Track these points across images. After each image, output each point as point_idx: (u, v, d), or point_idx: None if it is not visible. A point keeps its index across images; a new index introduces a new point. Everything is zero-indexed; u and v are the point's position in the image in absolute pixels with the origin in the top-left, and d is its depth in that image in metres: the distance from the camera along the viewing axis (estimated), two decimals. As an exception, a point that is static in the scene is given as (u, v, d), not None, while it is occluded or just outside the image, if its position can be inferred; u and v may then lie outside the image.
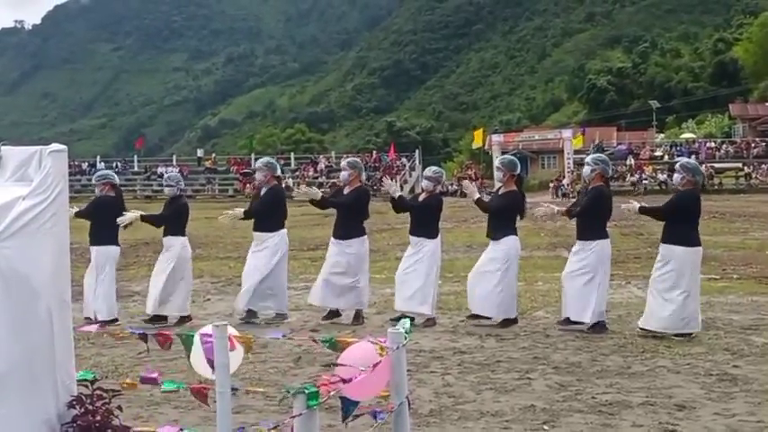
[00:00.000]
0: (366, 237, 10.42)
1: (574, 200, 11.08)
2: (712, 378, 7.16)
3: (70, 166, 38.87)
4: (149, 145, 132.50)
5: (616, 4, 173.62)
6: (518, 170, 10.20)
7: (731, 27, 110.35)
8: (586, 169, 9.73)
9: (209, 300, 12.29)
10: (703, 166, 43.49)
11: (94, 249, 10.33)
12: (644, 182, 53.35)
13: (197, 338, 3.76)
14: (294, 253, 16.50)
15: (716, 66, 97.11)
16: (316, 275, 10.78)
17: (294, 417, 3.37)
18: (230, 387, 3.56)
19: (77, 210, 10.20)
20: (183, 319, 10.27)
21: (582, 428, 5.84)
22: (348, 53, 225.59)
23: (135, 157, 68.00)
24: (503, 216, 9.93)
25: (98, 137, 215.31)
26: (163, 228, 10.58)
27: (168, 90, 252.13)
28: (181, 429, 3.63)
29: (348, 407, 3.73)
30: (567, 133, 63.92)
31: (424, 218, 10.16)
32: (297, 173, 60.66)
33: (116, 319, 10.25)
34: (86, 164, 62.27)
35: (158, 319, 10.30)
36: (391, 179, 11.78)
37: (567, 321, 9.44)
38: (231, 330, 3.80)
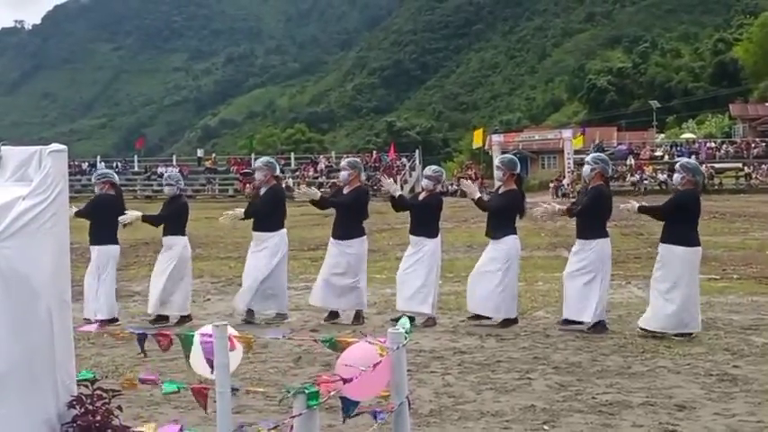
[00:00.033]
0: (366, 237, 10.42)
1: (574, 200, 11.08)
2: (712, 378, 7.16)
3: (70, 166, 38.93)
4: (149, 145, 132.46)
5: (616, 4, 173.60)
6: (518, 169, 10.19)
7: (731, 27, 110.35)
8: (586, 168, 9.73)
9: (209, 300, 12.29)
10: (703, 166, 43.53)
11: (96, 249, 10.32)
12: (644, 182, 53.36)
13: (197, 338, 3.76)
14: (294, 253, 16.50)
15: (716, 66, 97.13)
16: (316, 275, 10.78)
17: (294, 417, 3.37)
18: (230, 387, 3.55)
19: (77, 209, 10.18)
20: (184, 319, 10.26)
21: (582, 428, 5.84)
22: (348, 53, 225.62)
23: (135, 157, 68.02)
24: (503, 215, 9.93)
25: (98, 137, 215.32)
26: (162, 227, 10.57)
27: (168, 90, 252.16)
28: (181, 429, 3.62)
29: (348, 407, 3.73)
30: (567, 133, 63.92)
31: (424, 217, 10.15)
32: (297, 173, 60.68)
33: (116, 319, 10.25)
34: (86, 164, 62.27)
35: (161, 318, 10.31)
36: (390, 179, 11.72)
37: (568, 322, 9.44)
38: (231, 330, 3.80)
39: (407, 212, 10.53)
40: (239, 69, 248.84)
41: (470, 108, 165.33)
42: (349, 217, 10.23)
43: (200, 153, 73.92)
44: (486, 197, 10.66)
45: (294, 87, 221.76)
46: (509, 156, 10.88)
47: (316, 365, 7.71)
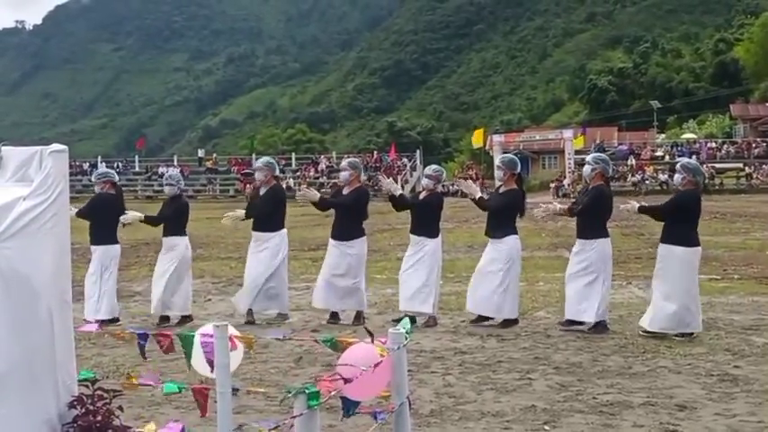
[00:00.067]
0: (366, 237, 10.42)
1: (574, 200, 11.07)
2: (713, 378, 7.16)
3: (71, 167, 38.87)
4: (150, 145, 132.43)
5: (617, 4, 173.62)
6: (518, 169, 10.18)
7: (732, 27, 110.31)
8: (587, 168, 9.73)
9: (209, 300, 12.29)
10: (704, 166, 43.46)
11: (98, 249, 10.29)
12: (645, 182, 53.34)
13: (197, 338, 3.76)
14: (295, 253, 16.50)
15: (717, 66, 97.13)
16: (317, 276, 10.78)
17: (295, 417, 3.37)
18: (231, 387, 3.55)
19: (77, 210, 10.15)
20: (185, 319, 10.26)
21: (583, 429, 5.83)
22: (349, 53, 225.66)
23: (136, 157, 68.06)
24: (503, 215, 9.92)
25: (99, 137, 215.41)
26: (162, 228, 10.55)
27: (169, 90, 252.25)
28: (183, 429, 3.62)
29: (349, 407, 3.73)
30: (567, 133, 63.92)
31: (425, 216, 10.14)
32: (298, 173, 60.71)
33: (117, 319, 10.24)
34: (87, 164, 62.27)
35: (164, 319, 10.30)
36: (390, 178, 11.72)
37: (570, 323, 9.42)
38: (232, 330, 3.80)
39: (408, 212, 10.53)
40: (240, 69, 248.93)
41: (471, 108, 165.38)
42: (349, 217, 10.23)
43: (201, 153, 73.97)
44: (486, 197, 10.65)
45: (295, 87, 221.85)
46: (509, 155, 10.87)
47: (317, 366, 7.71)
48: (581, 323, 9.34)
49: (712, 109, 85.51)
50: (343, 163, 10.80)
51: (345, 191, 10.40)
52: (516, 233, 9.95)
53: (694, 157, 49.32)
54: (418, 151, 64.64)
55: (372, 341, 3.82)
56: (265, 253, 10.30)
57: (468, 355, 8.27)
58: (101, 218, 10.25)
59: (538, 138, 68.78)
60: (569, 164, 57.49)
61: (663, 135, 77.22)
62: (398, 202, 10.52)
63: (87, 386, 3.64)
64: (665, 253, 9.02)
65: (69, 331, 3.63)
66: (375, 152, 69.20)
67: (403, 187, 40.54)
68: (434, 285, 9.97)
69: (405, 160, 63.13)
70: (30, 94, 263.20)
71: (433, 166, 10.63)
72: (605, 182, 9.72)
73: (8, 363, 3.33)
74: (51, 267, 3.49)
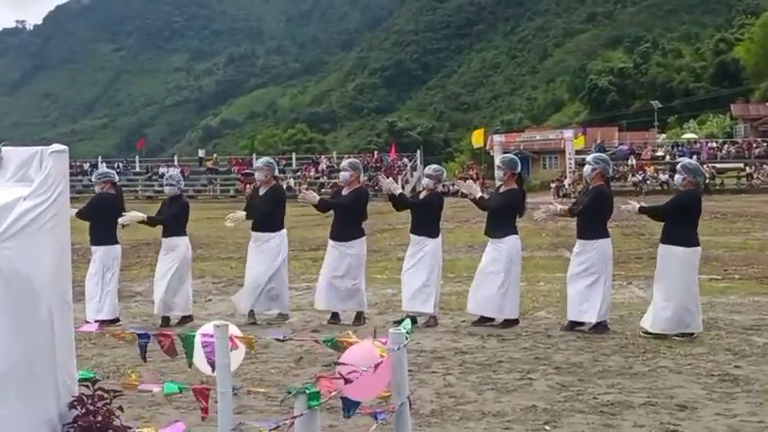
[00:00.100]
0: (365, 238, 10.42)
1: (575, 200, 11.08)
2: (714, 378, 7.16)
3: (71, 167, 38.98)
4: (151, 145, 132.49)
5: (617, 4, 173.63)
6: (518, 169, 10.17)
7: (733, 27, 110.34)
8: (587, 169, 9.73)
9: (210, 300, 12.29)
10: (705, 166, 43.48)
11: (100, 249, 10.26)
12: (646, 182, 53.34)
13: (198, 339, 3.76)
14: (295, 253, 16.51)
15: (717, 66, 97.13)
16: (317, 276, 10.78)
17: (295, 417, 3.37)
18: (231, 387, 3.55)
19: (77, 210, 10.11)
20: (185, 319, 10.26)
21: (583, 429, 5.83)
22: (349, 53, 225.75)
23: (136, 157, 68.09)
24: (503, 215, 9.91)
25: (99, 137, 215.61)
26: (162, 228, 10.53)
27: (169, 90, 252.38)
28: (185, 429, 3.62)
29: (349, 407, 3.73)
30: (568, 133, 63.91)
31: (425, 216, 10.14)
32: (298, 173, 60.73)
33: (117, 320, 10.24)
34: (88, 164, 62.29)
35: (165, 320, 10.29)
36: (390, 178, 11.72)
37: (573, 324, 9.40)
38: (234, 329, 3.81)
39: (408, 212, 10.52)
40: (240, 70, 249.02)
41: (472, 108, 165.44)
42: (349, 218, 10.23)
43: (201, 153, 74.04)
44: (486, 196, 10.64)
45: (295, 88, 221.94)
46: (510, 155, 10.87)
47: (317, 366, 7.71)
48: (581, 324, 9.33)
49: (713, 109, 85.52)
50: (344, 163, 10.79)
51: (345, 191, 10.39)
52: (516, 233, 9.95)
53: (695, 157, 49.32)
54: (419, 151, 64.61)
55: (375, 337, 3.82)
56: (266, 253, 10.29)
57: (468, 355, 8.27)
58: (101, 218, 10.22)
59: (538, 138, 68.76)
60: (570, 164, 57.49)
61: (663, 135, 77.21)
62: (398, 202, 10.52)
63: (88, 386, 3.64)
64: (664, 253, 9.02)
65: (70, 331, 3.63)
66: (375, 152, 69.24)
67: (403, 187, 40.56)
68: (435, 285, 9.97)
69: (405, 160, 63.14)
70: (30, 94, 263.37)
71: (434, 166, 10.63)
72: (606, 182, 9.72)
73: (8, 363, 3.33)
74: (51, 267, 3.49)
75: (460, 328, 9.73)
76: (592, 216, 9.42)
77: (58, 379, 3.51)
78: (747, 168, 55.54)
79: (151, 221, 10.51)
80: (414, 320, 9.43)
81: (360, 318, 10.18)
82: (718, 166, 54.98)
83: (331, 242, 10.32)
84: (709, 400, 6.51)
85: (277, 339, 4.09)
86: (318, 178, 58.77)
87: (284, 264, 10.47)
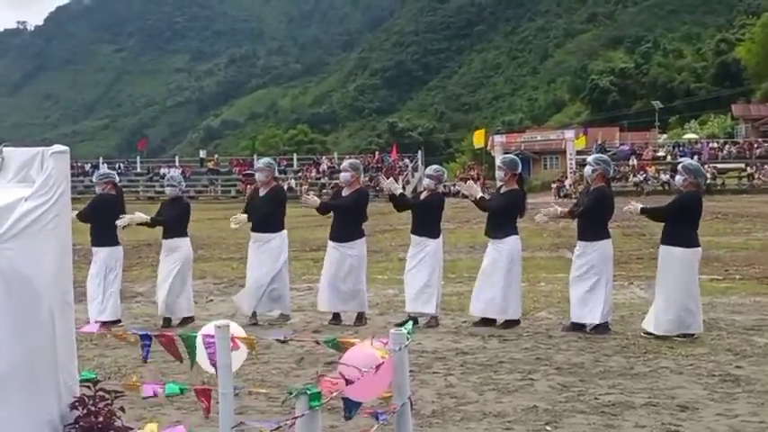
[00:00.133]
0: (365, 238, 10.42)
1: (576, 200, 11.08)
2: (715, 379, 7.16)
3: (73, 168, 38.96)
4: (152, 146, 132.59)
5: (618, 4, 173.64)
6: (519, 169, 10.16)
7: (734, 27, 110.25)
8: (588, 170, 9.72)
9: (211, 301, 12.29)
10: (706, 166, 43.45)
11: (103, 251, 10.23)
12: (647, 182, 53.32)
13: (199, 339, 3.76)
14: (296, 254, 16.52)
15: (718, 66, 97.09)
16: (318, 276, 10.78)
17: (296, 418, 3.37)
18: (233, 388, 3.55)
19: (78, 212, 10.05)
20: (186, 320, 10.26)
21: (584, 429, 5.83)
22: (350, 54, 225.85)
23: (138, 158, 68.15)
24: (504, 215, 9.91)
25: (101, 138, 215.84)
26: (163, 229, 10.51)
27: (170, 91, 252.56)
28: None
29: (350, 408, 3.73)
30: (569, 134, 63.87)
31: (426, 216, 10.14)
32: (299, 174, 60.75)
33: (119, 320, 10.23)
34: (89, 165, 62.32)
35: (167, 321, 10.28)
36: (390, 178, 11.71)
37: (575, 326, 9.39)
38: (236, 327, 3.81)
39: (409, 213, 10.51)
40: (241, 70, 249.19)
41: (472, 109, 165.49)
42: (349, 219, 10.22)
43: (202, 154, 74.08)
44: (487, 197, 10.63)
45: (296, 88, 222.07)
46: (510, 156, 10.87)
47: (318, 366, 7.71)
48: (583, 326, 9.33)
49: (714, 109, 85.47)
50: (344, 164, 10.78)
51: (345, 192, 10.39)
52: (517, 233, 9.94)
53: (696, 157, 49.33)
54: (420, 152, 64.59)
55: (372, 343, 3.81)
56: (267, 254, 10.29)
57: (469, 355, 8.27)
58: (103, 219, 10.16)
59: (539, 138, 68.72)
60: (571, 164, 57.46)
61: (664, 135, 77.17)
62: (399, 203, 10.51)
63: (89, 387, 3.64)
64: (664, 254, 9.03)
65: (71, 332, 3.63)
66: (377, 153, 69.28)
67: (404, 188, 40.51)
68: (436, 286, 9.97)
69: (406, 161, 63.13)
70: (31, 94, 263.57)
71: (434, 166, 10.63)
72: (606, 183, 9.72)
73: (10, 364, 3.33)
74: (53, 268, 3.49)
75: (462, 328, 9.73)
76: (593, 217, 9.42)
77: (60, 380, 3.52)
78: (748, 169, 55.50)
79: (154, 223, 10.49)
80: (415, 321, 9.44)
81: (361, 318, 10.18)
82: (719, 166, 54.97)
83: (331, 243, 10.31)
84: (711, 400, 6.51)
85: (278, 340, 4.08)
86: (319, 179, 58.79)
87: (285, 265, 10.47)
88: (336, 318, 10.23)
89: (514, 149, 58.51)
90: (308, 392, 3.37)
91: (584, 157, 43.50)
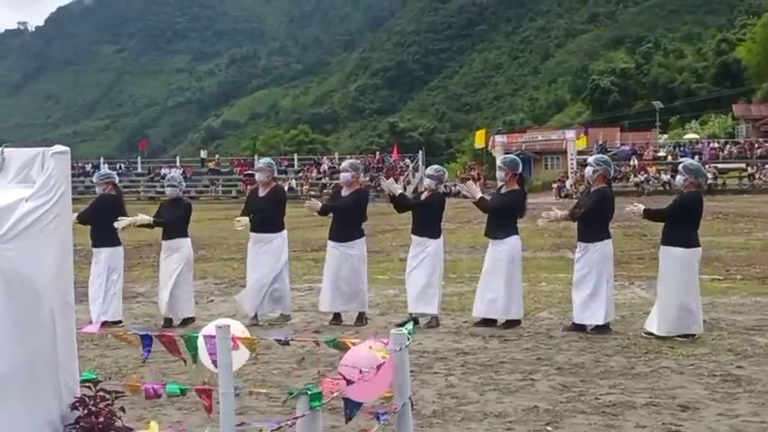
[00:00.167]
0: (365, 238, 10.42)
1: (576, 200, 11.07)
2: (716, 379, 7.16)
3: (73, 168, 38.97)
4: (153, 146, 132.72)
5: (619, 4, 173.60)
6: (519, 169, 10.16)
7: (734, 27, 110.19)
8: (589, 170, 9.71)
9: (212, 301, 12.29)
10: (707, 166, 43.41)
11: (105, 251, 10.22)
12: (648, 183, 53.30)
13: (201, 340, 3.76)
14: (297, 254, 16.52)
15: (719, 66, 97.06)
16: (319, 276, 10.78)
17: (297, 418, 3.37)
18: (233, 388, 3.55)
19: (78, 214, 10.00)
20: (187, 321, 10.26)
21: (585, 429, 5.83)
22: (351, 54, 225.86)
23: (138, 158, 68.22)
24: (504, 215, 9.90)
25: (102, 138, 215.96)
26: (163, 230, 10.49)
27: (171, 91, 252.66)
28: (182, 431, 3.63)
29: (351, 408, 3.73)
30: (570, 134, 63.84)
31: (427, 217, 10.13)
32: (300, 174, 60.76)
33: (120, 321, 10.23)
34: (90, 165, 62.37)
35: (168, 321, 10.27)
36: (390, 179, 11.72)
37: (576, 326, 9.39)
38: (239, 326, 3.81)
39: (410, 213, 10.51)
40: (242, 71, 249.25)
41: (473, 109, 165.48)
42: (349, 219, 10.22)
43: (203, 154, 74.15)
44: (487, 197, 10.63)
45: (297, 88, 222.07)
46: (511, 156, 10.87)
47: (319, 366, 7.71)
48: (584, 327, 9.33)
49: (715, 109, 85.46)
50: (344, 164, 10.78)
51: (345, 191, 10.38)
52: (517, 233, 9.94)
53: (697, 157, 49.31)
54: (420, 152, 64.58)
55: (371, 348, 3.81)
56: (268, 255, 10.29)
57: (470, 355, 8.26)
58: (105, 219, 10.12)
59: (540, 138, 68.69)
60: (572, 164, 57.45)
61: (665, 135, 77.18)
62: (399, 203, 10.50)
63: (89, 387, 3.64)
64: (664, 254, 9.04)
65: (71, 332, 3.63)
66: (377, 153, 69.29)
67: (405, 188, 40.52)
68: (437, 286, 9.97)
69: (407, 161, 63.12)
70: (32, 95, 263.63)
71: (435, 166, 10.62)
72: (607, 183, 9.71)
73: (10, 364, 3.33)
74: (53, 269, 3.49)
75: (462, 328, 9.73)
76: (594, 219, 9.41)
77: (60, 380, 3.52)
78: (749, 169, 55.51)
79: (156, 224, 10.47)
80: (416, 321, 9.44)
81: (362, 318, 10.18)
82: (719, 166, 54.96)
83: (331, 243, 10.30)
84: (712, 400, 6.51)
85: (278, 341, 4.08)
86: (320, 179, 58.80)
87: (286, 265, 10.47)
88: (337, 318, 10.23)
89: (515, 149, 58.47)
90: (309, 393, 3.37)
91: (584, 157, 43.51)
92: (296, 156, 67.96)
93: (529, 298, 11.26)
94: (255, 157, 56.38)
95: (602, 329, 9.19)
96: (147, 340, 3.99)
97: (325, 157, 66.86)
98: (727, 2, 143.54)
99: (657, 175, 54.38)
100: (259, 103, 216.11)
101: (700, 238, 9.16)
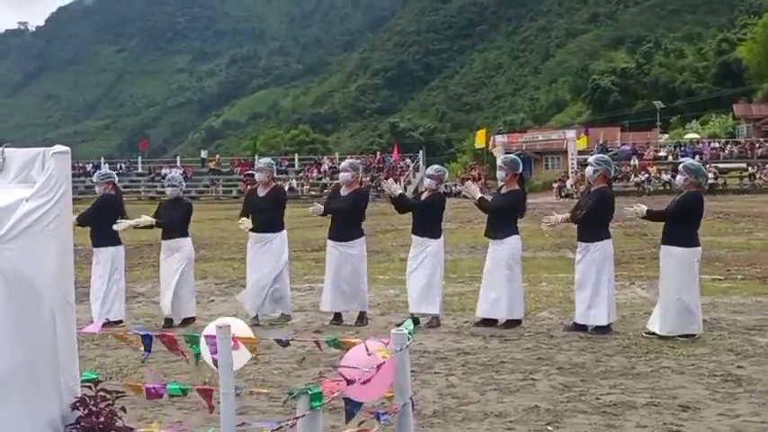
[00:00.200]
0: (365, 237, 10.42)
1: (577, 200, 11.06)
2: (716, 379, 7.15)
3: (74, 168, 38.97)
4: (153, 146, 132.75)
5: (620, 4, 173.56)
6: (520, 169, 10.16)
7: (735, 27, 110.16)
8: (589, 170, 9.71)
9: (212, 301, 12.29)
10: (707, 166, 43.41)
11: (107, 251, 10.22)
12: (649, 183, 53.30)
13: (202, 340, 3.76)
14: (297, 254, 16.52)
15: (720, 66, 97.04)
16: (319, 276, 10.79)
17: (297, 418, 3.37)
18: (234, 388, 3.55)
19: (78, 215, 9.97)
20: (188, 321, 10.26)
21: (586, 429, 5.83)
22: (351, 54, 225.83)
23: (139, 158, 68.23)
24: (504, 215, 9.90)
25: (102, 138, 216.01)
26: (162, 230, 10.48)
27: (172, 91, 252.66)
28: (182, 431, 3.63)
29: (352, 408, 3.73)
30: (570, 134, 63.85)
31: (427, 217, 10.13)
32: (301, 174, 60.76)
33: (121, 321, 10.23)
34: (90, 165, 62.38)
35: (169, 321, 10.26)
36: (390, 179, 11.72)
37: (575, 326, 9.39)
38: (242, 326, 3.81)
39: (411, 214, 10.50)
40: (243, 71, 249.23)
41: (474, 109, 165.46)
42: (348, 219, 10.22)
43: (203, 154, 74.17)
44: (488, 197, 10.62)
45: (298, 88, 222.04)
46: (511, 156, 10.87)
47: (320, 366, 7.71)
48: (584, 327, 9.33)
49: (715, 109, 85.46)
50: (344, 164, 10.78)
51: (344, 191, 10.37)
52: (518, 233, 9.94)
53: (697, 157, 49.32)
54: (421, 152, 64.56)
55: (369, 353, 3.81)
56: (269, 255, 10.29)
57: (471, 355, 8.26)
58: (106, 219, 10.13)
59: (541, 138, 68.70)
60: (572, 164, 57.45)
61: (666, 135, 77.15)
62: (400, 203, 10.50)
63: (90, 387, 3.64)
64: (664, 254, 9.04)
65: (72, 332, 3.63)
66: (378, 153, 69.29)
67: (405, 188, 40.52)
68: (438, 286, 9.97)
69: (407, 161, 63.12)
70: (33, 95, 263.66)
71: (435, 166, 10.62)
72: (608, 183, 9.71)
73: (11, 364, 3.33)
74: (54, 269, 3.49)
75: (463, 328, 9.73)
76: (594, 219, 9.41)
77: (61, 380, 3.52)
78: (750, 168, 55.51)
79: (159, 225, 10.45)
80: (416, 321, 9.44)
81: (362, 318, 10.18)
82: (720, 166, 54.96)
83: (330, 243, 10.30)
84: (712, 400, 6.50)
85: (279, 342, 4.08)
86: (321, 179, 58.80)
87: (286, 265, 10.48)
88: (338, 318, 10.23)
89: (516, 149, 58.48)
90: (310, 393, 3.37)
91: (585, 157, 43.49)
92: (296, 156, 67.99)
93: (529, 298, 11.26)
94: (256, 157, 56.40)
95: (604, 330, 9.19)
96: (147, 340, 3.99)
97: (325, 157, 66.87)
98: (727, 2, 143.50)
99: (658, 174, 54.38)
100: (259, 103, 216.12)
101: (700, 238, 9.16)
